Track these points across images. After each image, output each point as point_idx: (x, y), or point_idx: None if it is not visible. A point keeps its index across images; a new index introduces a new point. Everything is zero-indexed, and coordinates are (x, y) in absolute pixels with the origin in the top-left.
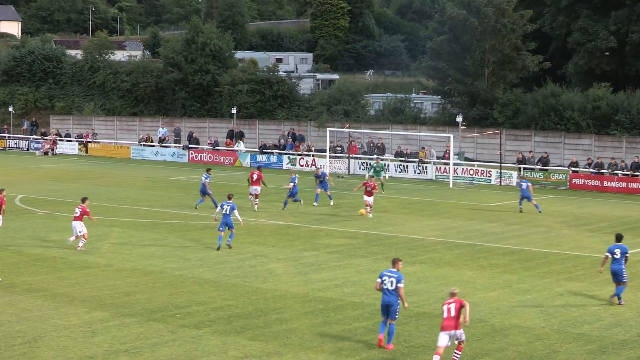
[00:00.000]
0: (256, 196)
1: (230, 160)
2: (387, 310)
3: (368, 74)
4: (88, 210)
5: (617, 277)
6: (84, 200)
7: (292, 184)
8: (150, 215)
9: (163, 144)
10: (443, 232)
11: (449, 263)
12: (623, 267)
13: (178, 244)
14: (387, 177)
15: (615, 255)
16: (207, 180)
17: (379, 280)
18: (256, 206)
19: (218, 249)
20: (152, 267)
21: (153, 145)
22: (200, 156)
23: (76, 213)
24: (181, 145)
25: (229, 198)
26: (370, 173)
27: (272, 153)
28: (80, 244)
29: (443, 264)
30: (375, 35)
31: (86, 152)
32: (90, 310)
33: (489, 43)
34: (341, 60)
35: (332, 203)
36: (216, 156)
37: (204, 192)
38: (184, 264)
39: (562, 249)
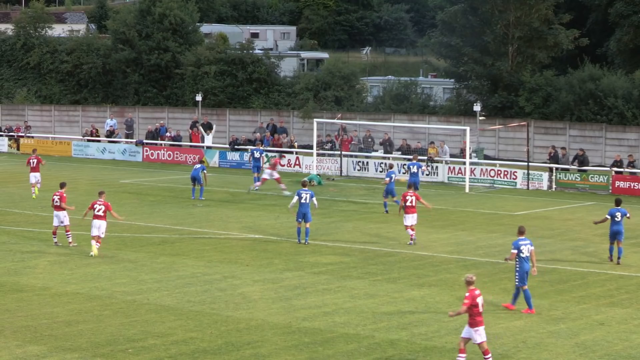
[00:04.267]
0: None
1: (194, 158)
2: (526, 277)
3: (365, 52)
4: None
5: (619, 237)
6: (101, 194)
7: (387, 179)
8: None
9: (112, 139)
10: (457, 248)
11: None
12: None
13: (130, 263)
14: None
15: (616, 218)
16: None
17: (515, 250)
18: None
19: (299, 242)
20: (99, 290)
21: (99, 141)
22: (158, 154)
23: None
24: (134, 140)
25: (304, 185)
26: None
27: (246, 150)
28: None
29: (457, 287)
30: (374, 5)
31: (17, 148)
32: (23, 344)
33: (514, 14)
34: (331, 36)
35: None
36: (177, 154)
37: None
38: (138, 287)
39: (602, 268)
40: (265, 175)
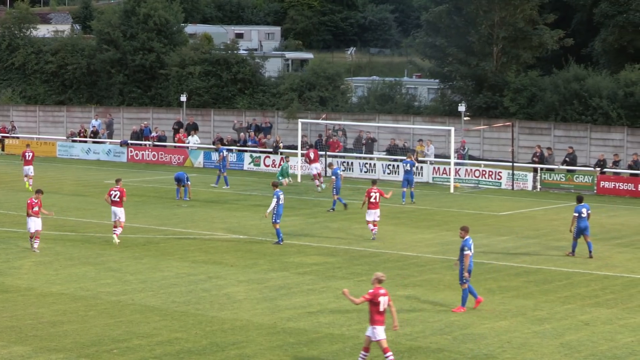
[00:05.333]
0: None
1: (178, 159)
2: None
3: (349, 52)
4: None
5: (586, 232)
6: (117, 181)
7: (334, 177)
8: (80, 227)
9: (96, 139)
10: (442, 248)
11: (450, 286)
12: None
13: (115, 263)
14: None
15: (582, 214)
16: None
17: (469, 252)
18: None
19: (280, 242)
20: (84, 291)
21: (85, 141)
22: (142, 154)
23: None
24: (117, 140)
25: (276, 186)
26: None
27: (231, 150)
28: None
29: (442, 287)
30: (358, 5)
31: (2, 149)
32: (8, 344)
33: (499, 14)
34: (316, 36)
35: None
36: (161, 154)
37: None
38: (123, 287)
39: (587, 268)
40: (314, 171)
